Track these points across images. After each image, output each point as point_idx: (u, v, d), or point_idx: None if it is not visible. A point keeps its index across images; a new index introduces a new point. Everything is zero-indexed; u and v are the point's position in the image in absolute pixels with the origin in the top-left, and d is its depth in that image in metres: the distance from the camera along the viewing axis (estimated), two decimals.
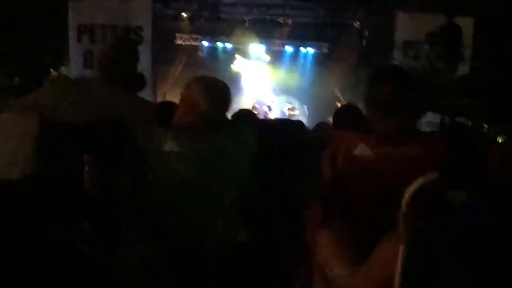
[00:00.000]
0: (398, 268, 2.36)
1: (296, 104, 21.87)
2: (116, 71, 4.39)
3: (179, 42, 20.51)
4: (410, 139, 3.43)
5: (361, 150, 3.38)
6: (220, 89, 3.80)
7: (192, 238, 3.55)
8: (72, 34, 15.48)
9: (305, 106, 21.54)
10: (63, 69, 15.67)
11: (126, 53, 4.61)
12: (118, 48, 4.67)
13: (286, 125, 5.37)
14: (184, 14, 19.03)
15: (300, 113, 21.29)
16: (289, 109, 21.65)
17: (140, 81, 4.76)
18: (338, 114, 5.57)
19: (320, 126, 6.19)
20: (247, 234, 3.60)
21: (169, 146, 3.47)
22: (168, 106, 4.92)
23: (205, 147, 3.55)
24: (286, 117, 20.00)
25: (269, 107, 21.53)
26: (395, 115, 3.44)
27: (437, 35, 13.91)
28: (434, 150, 3.35)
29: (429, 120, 12.56)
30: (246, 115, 5.41)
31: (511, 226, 2.23)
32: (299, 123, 5.35)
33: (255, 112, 12.45)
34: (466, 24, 14.63)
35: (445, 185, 2.28)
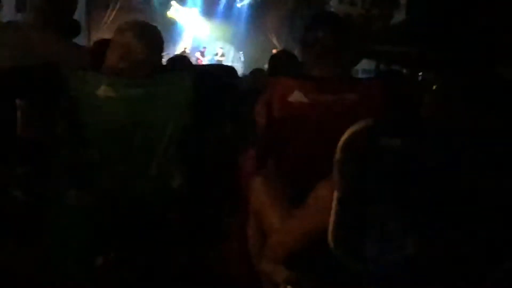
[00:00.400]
0: (332, 214, 2.37)
1: (231, 50, 21.79)
2: (53, 16, 4.28)
3: None
4: (346, 86, 3.43)
5: (297, 96, 3.37)
6: (153, 35, 3.74)
7: (126, 183, 3.54)
8: None
9: (241, 53, 21.47)
10: None
11: None
12: None
13: (217, 70, 5.33)
14: None
15: (234, 59, 21.23)
16: (217, 54, 21.51)
17: (75, 28, 4.67)
18: (274, 60, 5.55)
19: (255, 72, 6.17)
20: (182, 180, 3.59)
21: (103, 91, 3.41)
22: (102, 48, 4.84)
23: (140, 92, 3.51)
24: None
25: (202, 53, 21.37)
26: (331, 61, 3.44)
27: None
28: (369, 97, 3.36)
29: (364, 68, 12.64)
30: (180, 61, 5.36)
31: (437, 173, 2.25)
32: (231, 68, 5.32)
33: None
34: None
35: (379, 132, 2.28)
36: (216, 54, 21.44)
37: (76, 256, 3.48)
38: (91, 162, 3.49)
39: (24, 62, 3.85)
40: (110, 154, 3.51)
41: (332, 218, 2.37)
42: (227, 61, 20.74)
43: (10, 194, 3.57)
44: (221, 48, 21.71)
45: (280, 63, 5.30)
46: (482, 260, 2.26)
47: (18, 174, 3.67)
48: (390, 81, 4.03)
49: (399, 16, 14.00)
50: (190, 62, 5.43)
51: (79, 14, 4.67)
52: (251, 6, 21.70)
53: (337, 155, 2.33)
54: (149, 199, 3.56)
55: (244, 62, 20.78)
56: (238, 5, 22.02)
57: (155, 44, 3.70)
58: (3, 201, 3.55)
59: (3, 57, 3.88)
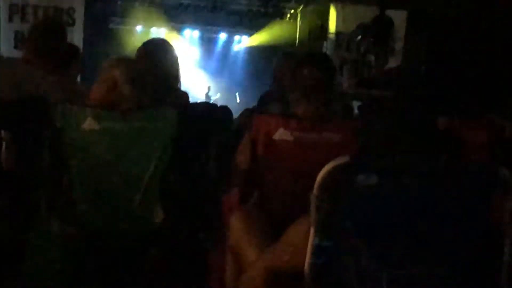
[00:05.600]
0: (308, 250, 2.37)
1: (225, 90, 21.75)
2: (40, 49, 4.34)
3: (112, 26, 20.24)
4: (329, 125, 3.45)
5: (281, 134, 3.38)
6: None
7: (108, 216, 3.56)
8: (2, 14, 15.09)
9: (237, 94, 21.47)
10: None
11: (51, 32, 4.56)
12: (44, 26, 4.62)
13: (211, 110, 5.34)
14: None
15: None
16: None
17: (67, 60, 4.74)
18: (263, 99, 5.58)
19: (245, 112, 6.18)
20: (164, 214, 3.59)
21: (88, 124, 3.43)
22: None
23: (124, 126, 3.53)
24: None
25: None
26: (316, 100, 3.46)
27: (368, 27, 14.02)
28: (353, 137, 3.37)
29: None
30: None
31: (417, 209, 2.27)
32: (224, 107, 5.33)
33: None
34: (398, 17, 14.75)
35: (355, 169, 2.29)
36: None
37: None
38: (73, 194, 3.50)
39: (10, 96, 3.88)
40: (93, 187, 3.52)
41: (308, 254, 2.37)
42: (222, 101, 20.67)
43: None
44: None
45: (269, 102, 5.32)
46: None
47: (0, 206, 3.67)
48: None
49: (394, 62, 14.04)
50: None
51: None
52: (248, 47, 21.79)
53: (314, 191, 2.34)
54: (131, 232, 3.56)
55: (240, 103, 20.71)
56: (235, 48, 22.15)
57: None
58: None
59: None
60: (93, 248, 3.47)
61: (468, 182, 2.36)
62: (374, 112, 2.97)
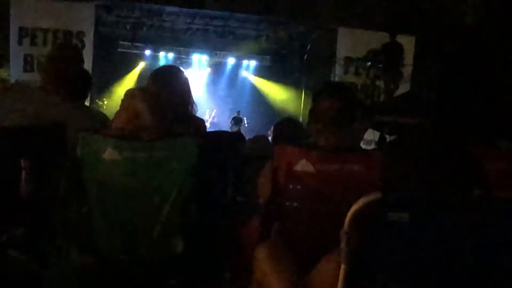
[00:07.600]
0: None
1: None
2: (58, 76, 4.33)
3: (121, 49, 20.28)
4: (351, 156, 3.42)
5: (303, 165, 3.34)
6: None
7: (128, 247, 3.52)
8: (12, 37, 15.18)
9: (245, 118, 21.46)
10: (2, 72, 15.34)
11: (69, 57, 4.54)
12: (61, 52, 4.60)
13: (226, 137, 5.32)
14: (127, 22, 18.74)
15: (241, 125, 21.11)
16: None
17: (84, 86, 4.74)
18: (278, 126, 5.55)
19: (257, 139, 6.16)
20: (184, 245, 3.56)
21: (109, 153, 3.42)
22: None
23: (144, 156, 3.51)
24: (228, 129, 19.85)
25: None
26: (337, 131, 3.44)
27: (378, 52, 14.04)
28: (374, 168, 3.33)
29: (367, 138, 12.60)
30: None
31: (449, 245, 2.23)
32: (240, 135, 5.32)
33: None
34: (407, 42, 14.77)
35: (387, 205, 2.26)
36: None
37: None
38: (93, 224, 3.47)
39: (31, 123, 3.87)
40: (113, 217, 3.50)
41: None
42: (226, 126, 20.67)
43: (8, 255, 3.54)
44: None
45: (285, 130, 5.31)
46: None
47: (18, 234, 3.64)
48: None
49: (404, 87, 14.04)
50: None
51: None
52: (256, 72, 21.83)
53: (345, 227, 2.31)
54: (151, 263, 3.53)
55: (248, 127, 20.69)
56: (243, 73, 22.19)
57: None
58: (1, 262, 3.51)
59: (9, 116, 3.90)
60: (112, 278, 3.44)
61: (501, 216, 2.32)
62: (400, 144, 2.93)
